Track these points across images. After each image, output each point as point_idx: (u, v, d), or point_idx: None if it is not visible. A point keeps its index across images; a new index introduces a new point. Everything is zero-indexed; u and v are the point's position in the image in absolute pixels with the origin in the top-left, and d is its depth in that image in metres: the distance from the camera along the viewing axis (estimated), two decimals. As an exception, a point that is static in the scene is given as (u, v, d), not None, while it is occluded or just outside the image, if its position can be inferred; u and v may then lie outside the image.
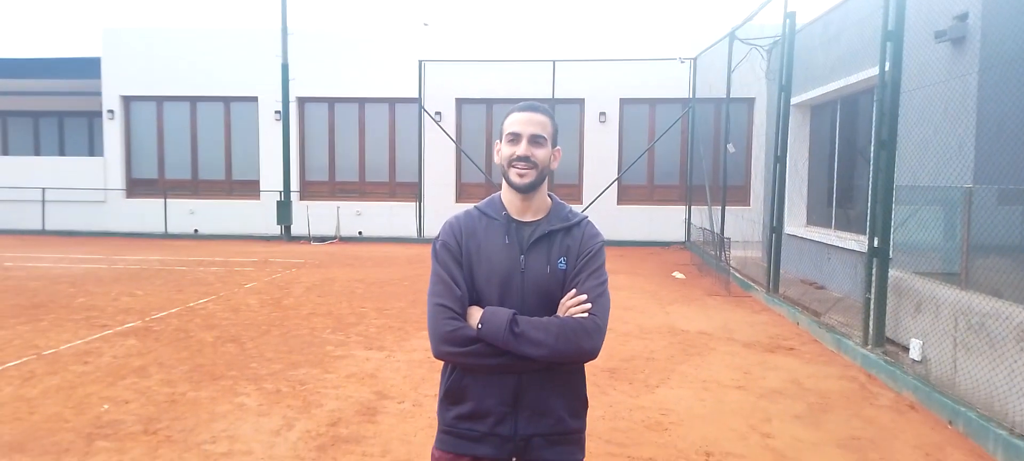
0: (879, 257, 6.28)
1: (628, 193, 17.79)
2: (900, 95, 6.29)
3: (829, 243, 10.00)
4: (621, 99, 17.57)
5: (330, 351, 6.60)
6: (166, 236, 18.20)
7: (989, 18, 6.31)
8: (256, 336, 7.17)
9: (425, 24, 18.60)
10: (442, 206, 17.39)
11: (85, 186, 18.56)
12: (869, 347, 6.31)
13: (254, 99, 18.34)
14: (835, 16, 10.04)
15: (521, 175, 2.02)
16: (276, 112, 17.97)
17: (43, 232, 18.59)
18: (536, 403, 2.01)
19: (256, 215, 18.25)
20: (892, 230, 6.30)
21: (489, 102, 17.65)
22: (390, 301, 9.22)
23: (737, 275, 11.06)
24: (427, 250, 2.15)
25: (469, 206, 2.15)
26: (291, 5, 17.59)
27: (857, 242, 8.76)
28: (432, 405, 5.03)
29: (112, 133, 18.59)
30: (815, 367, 6.30)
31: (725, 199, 12.67)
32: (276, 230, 17.87)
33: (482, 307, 2.00)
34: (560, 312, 2.00)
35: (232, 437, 4.44)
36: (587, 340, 1.95)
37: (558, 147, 2.13)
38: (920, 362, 5.70)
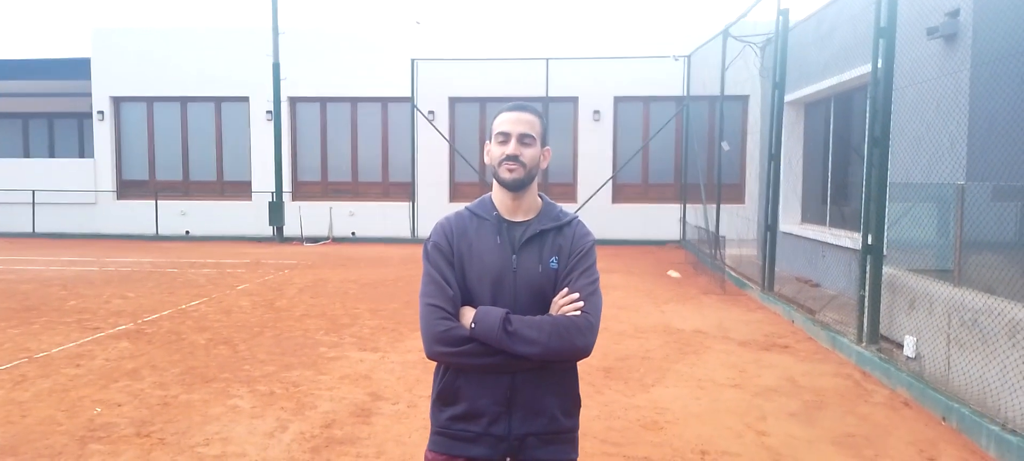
0: (873, 254, 6.29)
1: (623, 192, 17.80)
2: (893, 92, 6.30)
3: (824, 240, 10.02)
4: (615, 97, 17.57)
5: (324, 352, 6.57)
6: (157, 238, 18.11)
7: (981, 15, 6.33)
8: (249, 338, 7.13)
9: (417, 22, 18.56)
10: (435, 206, 17.36)
11: (75, 188, 18.46)
12: (863, 344, 6.32)
13: (245, 99, 18.27)
14: (828, 13, 10.06)
15: (511, 170, 2.02)
16: (267, 112, 17.90)
17: (33, 234, 18.48)
18: (530, 402, 2.01)
19: (248, 216, 18.18)
20: (886, 227, 6.31)
21: (482, 101, 17.63)
22: (384, 302, 9.19)
23: (732, 273, 11.08)
24: (421, 250, 2.13)
25: (461, 206, 2.15)
26: (282, 4, 17.52)
27: (851, 239, 8.78)
28: (426, 406, 5.00)
29: (102, 134, 18.49)
30: (810, 365, 6.31)
31: (720, 197, 12.68)
32: (268, 231, 17.81)
33: (474, 307, 2.00)
34: (553, 310, 2.00)
35: (225, 439, 4.42)
36: (580, 338, 1.95)
37: (548, 147, 2.13)
38: (914, 359, 5.71)
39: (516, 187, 2.04)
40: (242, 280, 10.98)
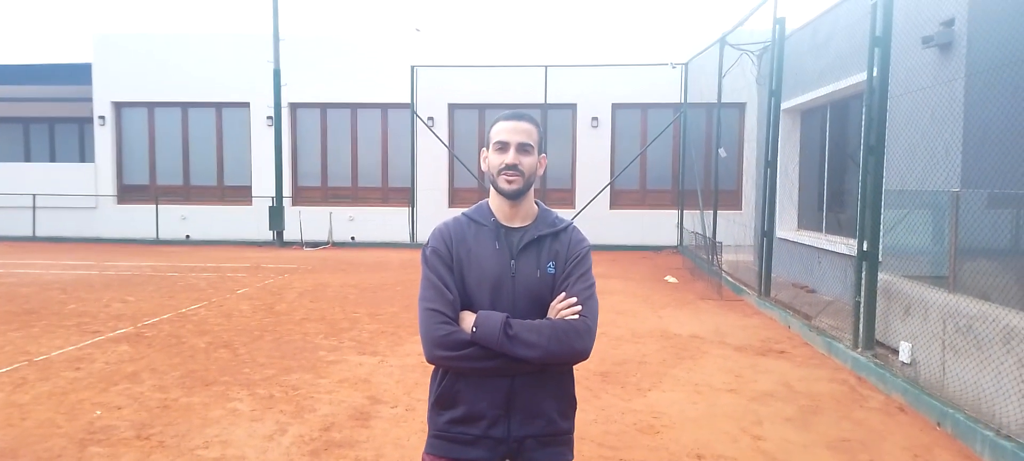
0: (868, 261, 6.33)
1: (620, 198, 17.85)
2: (888, 100, 6.36)
3: (820, 247, 10.06)
4: (613, 104, 17.63)
5: (323, 356, 6.60)
6: (158, 242, 18.13)
7: (975, 24, 6.39)
8: (249, 341, 7.16)
9: (417, 30, 18.62)
10: (435, 211, 17.41)
11: (76, 192, 18.49)
12: (859, 350, 6.36)
13: (246, 105, 18.32)
14: (824, 22, 10.13)
15: (510, 181, 2.06)
16: (268, 118, 17.96)
17: (34, 238, 18.50)
18: (529, 405, 2.04)
19: (248, 221, 18.22)
20: (881, 234, 6.36)
21: (481, 107, 17.69)
22: (383, 306, 9.23)
23: (729, 279, 11.12)
24: (420, 255, 2.16)
25: (459, 212, 2.18)
26: (283, 11, 17.60)
27: (847, 246, 8.83)
28: (425, 410, 5.04)
29: (103, 139, 18.53)
30: (806, 370, 6.34)
31: (717, 203, 12.73)
32: (268, 236, 17.84)
33: (473, 312, 2.03)
34: (551, 315, 2.04)
35: (225, 442, 4.45)
36: (579, 341, 1.99)
37: (544, 154, 2.17)
38: (909, 364, 5.75)
39: (515, 196, 2.08)
40: (242, 284, 11.02)
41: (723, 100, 12.80)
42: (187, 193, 18.79)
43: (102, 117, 18.44)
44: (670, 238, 17.11)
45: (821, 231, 10.60)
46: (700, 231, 13.25)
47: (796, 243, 11.08)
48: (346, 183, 18.60)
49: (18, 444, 4.38)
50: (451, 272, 2.06)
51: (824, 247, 9.88)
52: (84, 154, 20.42)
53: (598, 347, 6.86)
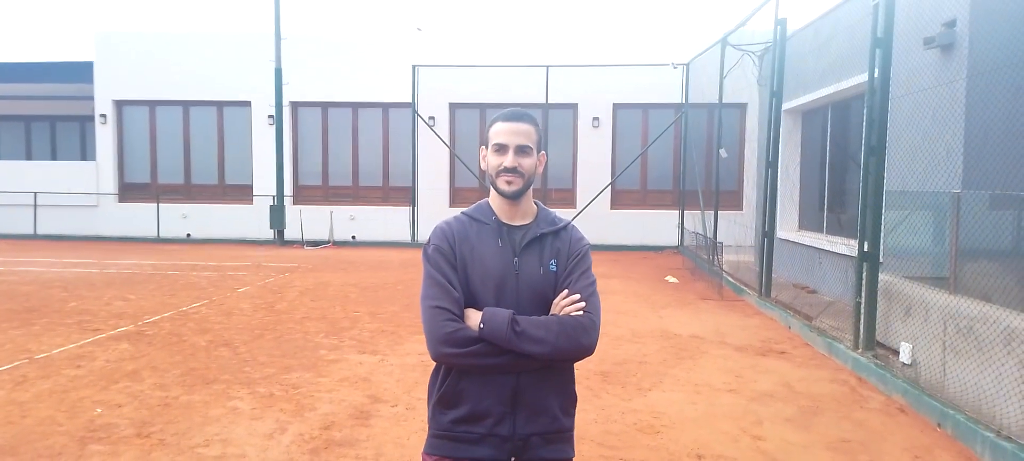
0: (869, 261, 6.33)
1: (621, 198, 17.85)
2: (890, 101, 6.36)
3: (820, 247, 10.06)
4: (614, 104, 17.63)
5: (323, 355, 6.61)
6: (158, 240, 18.14)
7: (977, 25, 6.39)
8: (249, 340, 7.17)
9: (418, 29, 18.63)
10: (436, 210, 17.41)
11: (77, 190, 18.50)
12: (859, 351, 6.36)
13: (247, 103, 18.33)
14: (826, 23, 10.12)
15: (509, 182, 2.07)
16: (269, 116, 17.96)
17: (35, 237, 18.51)
18: (533, 402, 2.05)
19: (249, 219, 18.22)
20: (882, 235, 6.35)
21: (483, 107, 17.69)
22: (383, 305, 9.23)
23: (729, 279, 11.11)
24: (421, 254, 2.16)
25: (459, 212, 2.18)
26: (284, 10, 17.59)
27: (848, 247, 8.82)
28: (425, 408, 5.05)
29: (104, 137, 18.54)
30: (806, 370, 6.34)
31: (718, 204, 12.72)
32: (269, 234, 17.85)
33: (477, 309, 2.03)
34: (554, 311, 2.05)
35: (225, 440, 4.45)
36: (585, 336, 2.01)
37: (543, 152, 2.17)
38: (910, 365, 5.75)
39: (515, 198, 2.09)
40: (243, 283, 11.02)
41: (724, 100, 12.80)
42: (188, 191, 18.80)
43: (103, 115, 18.45)
44: (671, 238, 17.11)
45: (822, 232, 10.59)
46: (701, 231, 13.24)
47: (797, 244, 11.07)
48: (347, 182, 18.61)
49: (18, 442, 4.38)
50: (455, 270, 2.06)
51: (825, 248, 9.87)
52: (85, 152, 20.43)
53: (599, 346, 6.80)
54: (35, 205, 18.59)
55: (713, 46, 13.35)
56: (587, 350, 2.03)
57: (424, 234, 17.28)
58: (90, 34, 18.88)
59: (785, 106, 10.62)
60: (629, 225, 17.38)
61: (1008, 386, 4.48)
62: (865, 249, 6.37)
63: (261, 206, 18.03)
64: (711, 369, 6.32)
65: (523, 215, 2.14)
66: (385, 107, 18.24)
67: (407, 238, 17.77)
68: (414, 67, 17.09)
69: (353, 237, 18.07)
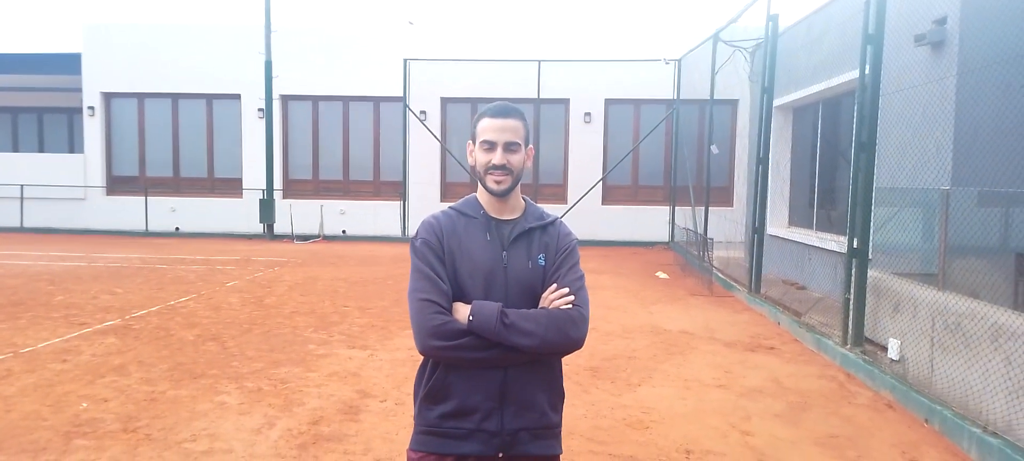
0: (858, 258, 6.35)
1: (613, 193, 17.85)
2: (880, 98, 6.37)
3: (810, 244, 10.09)
4: (606, 99, 17.63)
5: (312, 350, 6.57)
6: (147, 234, 18.02)
7: (967, 23, 6.40)
8: (237, 334, 7.13)
9: (410, 23, 18.56)
10: (427, 205, 17.34)
11: (65, 183, 18.35)
12: (848, 347, 6.38)
13: (237, 96, 18.21)
14: (817, 19, 10.13)
15: (498, 182, 2.05)
16: (259, 110, 17.86)
17: (22, 229, 18.36)
18: (521, 397, 2.04)
19: (238, 213, 18.12)
20: (871, 231, 6.37)
21: (474, 101, 17.63)
22: (373, 300, 9.20)
23: (719, 275, 11.14)
24: (408, 247, 2.15)
25: (448, 206, 2.17)
26: (275, 2, 17.48)
27: (837, 243, 8.84)
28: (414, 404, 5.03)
29: (92, 130, 18.39)
30: (795, 366, 6.36)
31: (708, 200, 12.75)
32: (259, 228, 17.76)
33: (465, 303, 2.02)
34: (543, 304, 2.04)
35: (212, 435, 4.42)
36: (575, 329, 2.00)
37: (531, 146, 2.16)
38: (898, 361, 5.77)
39: (504, 195, 2.08)
40: (232, 277, 10.96)
41: (716, 97, 12.80)
42: (177, 185, 18.68)
43: (91, 107, 18.30)
44: (662, 234, 17.14)
45: (812, 228, 10.62)
46: (691, 227, 13.26)
47: (787, 240, 11.10)
48: (337, 176, 18.53)
49: (3, 436, 4.33)
50: (443, 263, 2.05)
51: (815, 244, 9.90)
52: (73, 145, 20.25)
53: (588, 342, 6.80)
54: (22, 198, 18.42)
55: (705, 42, 13.36)
56: (576, 343, 2.02)
57: (414, 229, 17.20)
58: (78, 25, 18.71)
59: (776, 102, 10.63)
60: (620, 221, 17.40)
61: (995, 382, 4.50)
62: (854, 245, 6.38)
63: (251, 200, 17.94)
64: (700, 365, 6.32)
65: (511, 210, 2.13)
66: (376, 101, 18.17)
67: (398, 233, 17.73)
68: (405, 61, 17.03)
69: (343, 231, 18.01)
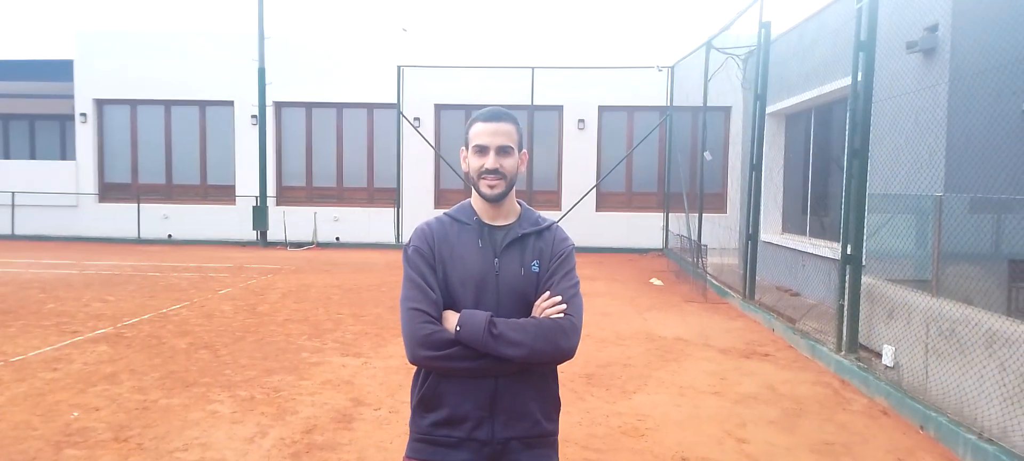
0: (852, 264, 6.36)
1: (606, 200, 17.86)
2: (872, 105, 6.39)
3: (804, 250, 10.11)
4: (599, 106, 17.65)
5: (306, 358, 6.54)
6: (139, 241, 17.93)
7: (958, 30, 6.44)
8: (230, 343, 7.08)
9: (404, 30, 18.55)
10: (421, 212, 17.33)
11: (56, 190, 18.25)
12: (842, 353, 6.38)
13: (230, 103, 18.16)
14: (810, 26, 10.18)
15: (491, 186, 2.04)
16: (252, 116, 17.81)
17: (13, 237, 18.24)
18: (513, 406, 2.01)
19: (231, 220, 18.05)
20: (865, 237, 6.39)
21: (468, 108, 17.63)
22: (367, 307, 9.16)
23: (714, 282, 11.14)
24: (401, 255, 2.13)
25: (443, 213, 2.15)
26: (268, 9, 17.47)
27: (831, 249, 8.87)
28: (408, 412, 5.01)
29: (84, 137, 18.30)
30: (790, 373, 6.36)
31: (702, 206, 12.77)
32: (252, 235, 17.69)
33: (456, 311, 2.00)
34: (535, 313, 2.01)
35: (205, 444, 4.38)
36: (565, 339, 1.97)
37: (524, 151, 2.14)
38: (892, 368, 5.77)
39: (498, 201, 2.06)
40: (224, 284, 10.91)
41: (709, 104, 12.84)
42: (169, 192, 18.60)
43: (83, 114, 18.22)
44: (655, 241, 17.15)
45: (805, 234, 10.65)
46: (685, 234, 13.28)
47: (780, 246, 11.12)
48: (331, 183, 18.49)
49: (-8, 446, 4.29)
50: (434, 271, 2.03)
51: (808, 250, 9.92)
52: (65, 151, 20.16)
53: (583, 349, 6.84)
54: (13, 205, 18.31)
55: (698, 49, 13.40)
56: (566, 353, 1.99)
57: (408, 235, 17.16)
58: (70, 32, 18.64)
59: (769, 109, 10.67)
60: (614, 227, 17.41)
61: (989, 388, 4.50)
62: (848, 252, 6.39)
63: (244, 207, 17.87)
64: (695, 372, 6.32)
65: (505, 215, 2.11)
66: (370, 108, 18.15)
67: (391, 239, 17.68)
68: (399, 68, 17.02)
69: (337, 238, 17.96)
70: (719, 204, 16.03)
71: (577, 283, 2.07)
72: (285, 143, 18.44)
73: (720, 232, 13.13)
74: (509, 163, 2.05)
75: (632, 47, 17.31)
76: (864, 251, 6.39)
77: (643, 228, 17.31)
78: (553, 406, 2.13)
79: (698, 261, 11.78)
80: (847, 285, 6.38)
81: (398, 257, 14.82)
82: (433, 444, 2.03)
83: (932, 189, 6.24)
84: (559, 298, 2.00)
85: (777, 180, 11.78)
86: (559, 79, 17.08)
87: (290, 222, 17.82)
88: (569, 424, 4.76)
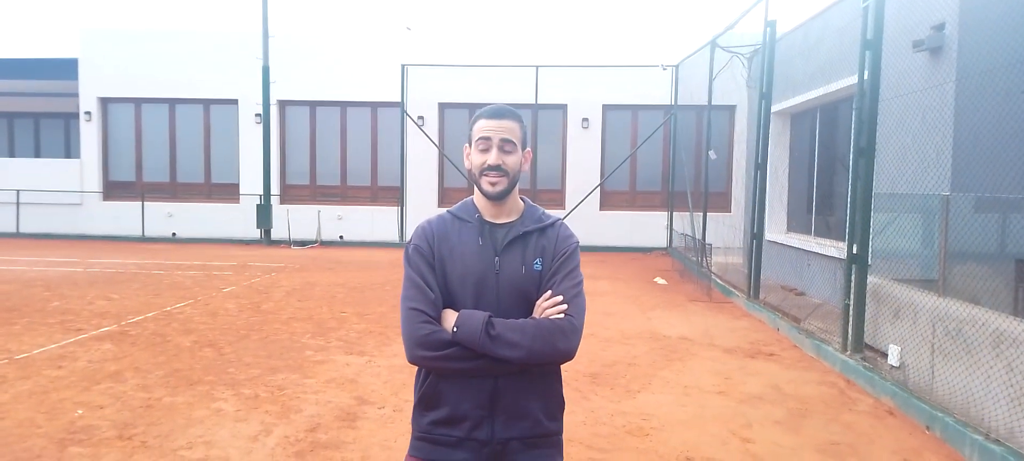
0: (858, 264, 6.33)
1: (610, 199, 17.84)
2: (879, 103, 6.36)
3: (809, 249, 10.08)
4: (604, 105, 17.62)
5: (310, 356, 6.54)
6: (143, 239, 17.96)
7: (966, 29, 6.40)
8: (234, 341, 7.08)
9: (408, 28, 18.56)
10: (424, 210, 17.32)
11: (61, 188, 18.29)
12: (848, 353, 6.35)
13: (234, 102, 18.18)
14: (815, 25, 10.14)
15: (493, 183, 2.01)
16: (256, 115, 17.83)
17: (18, 235, 18.29)
18: (513, 406, 1.99)
19: (235, 219, 18.07)
20: (871, 237, 6.36)
21: (472, 107, 17.61)
22: (371, 306, 9.16)
23: (718, 281, 11.12)
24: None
25: (446, 211, 2.13)
26: (272, 8, 17.47)
27: (836, 248, 8.84)
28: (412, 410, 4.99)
29: (89, 135, 18.34)
30: (795, 373, 6.33)
31: (706, 205, 12.74)
32: (256, 234, 17.71)
33: (456, 310, 1.98)
34: (536, 313, 1.99)
35: (209, 443, 4.38)
36: (563, 340, 1.94)
37: (528, 149, 2.11)
38: (898, 368, 5.75)
39: (500, 198, 2.04)
40: (228, 283, 10.92)
41: (714, 102, 12.81)
42: (174, 190, 18.62)
43: (88, 112, 18.25)
44: (660, 240, 17.12)
45: (810, 234, 10.61)
46: (689, 233, 13.25)
47: (785, 246, 11.09)
48: (335, 182, 18.50)
49: (-4, 444, 4.29)
50: (433, 270, 2.01)
51: (813, 250, 9.89)
52: (70, 150, 20.21)
53: (587, 348, 6.83)
54: (18, 203, 18.36)
55: (702, 48, 13.37)
56: (565, 355, 1.96)
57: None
58: (75, 31, 18.70)
59: (774, 108, 10.63)
60: (618, 226, 17.38)
61: (996, 389, 4.48)
62: (854, 251, 6.36)
63: (248, 205, 17.89)
64: (700, 371, 6.30)
65: (508, 213, 2.08)
66: (374, 106, 18.15)
67: (395, 238, 17.68)
68: (403, 66, 17.01)
69: (341, 237, 17.97)
70: (724, 203, 16.00)
71: (580, 282, 2.04)
72: (289, 141, 18.45)
73: (725, 231, 13.10)
74: (511, 160, 2.02)
75: (636, 46, 17.28)
76: (870, 250, 6.36)
77: (647, 227, 17.28)
78: (556, 405, 2.10)
79: (702, 260, 11.76)
80: (853, 284, 6.35)
81: (401, 255, 14.87)
82: (433, 443, 2.02)
83: (939, 188, 6.21)
84: (560, 298, 1.97)
85: (782, 179, 11.75)
86: (563, 78, 17.06)
87: (294, 220, 17.84)
88: (573, 423, 4.75)
